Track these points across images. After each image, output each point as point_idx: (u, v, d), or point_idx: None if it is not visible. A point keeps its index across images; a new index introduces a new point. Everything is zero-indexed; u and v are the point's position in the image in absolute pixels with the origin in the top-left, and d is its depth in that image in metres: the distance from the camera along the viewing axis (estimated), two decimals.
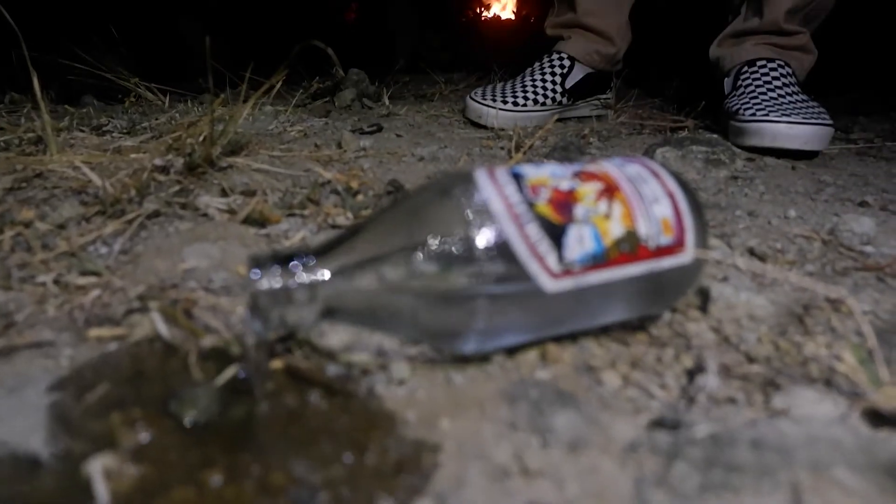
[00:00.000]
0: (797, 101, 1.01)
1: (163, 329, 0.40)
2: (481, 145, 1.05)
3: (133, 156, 0.77)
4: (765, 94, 1.02)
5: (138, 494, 0.28)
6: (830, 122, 0.98)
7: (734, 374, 0.39)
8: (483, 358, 0.38)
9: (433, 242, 0.33)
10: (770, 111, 0.97)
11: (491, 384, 0.36)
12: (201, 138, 0.76)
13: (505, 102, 1.22)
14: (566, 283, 0.35)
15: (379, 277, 0.33)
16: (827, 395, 0.35)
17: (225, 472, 0.30)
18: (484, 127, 1.20)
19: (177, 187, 0.66)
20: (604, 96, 1.34)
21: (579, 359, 0.39)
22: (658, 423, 0.31)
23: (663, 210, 0.38)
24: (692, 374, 0.38)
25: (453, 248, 0.33)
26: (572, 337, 0.41)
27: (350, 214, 0.63)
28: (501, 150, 1.01)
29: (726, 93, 1.12)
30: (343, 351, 0.39)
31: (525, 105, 1.23)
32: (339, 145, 0.96)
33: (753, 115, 0.99)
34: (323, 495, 0.28)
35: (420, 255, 0.33)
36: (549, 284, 0.34)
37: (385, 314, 0.35)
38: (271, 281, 0.32)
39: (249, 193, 0.68)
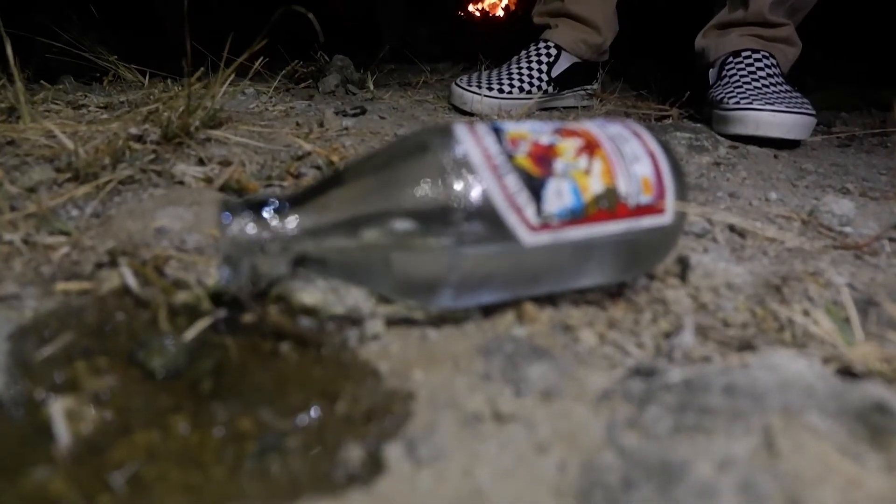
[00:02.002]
0: (781, 90, 1.02)
1: (132, 282, 0.39)
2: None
3: (108, 126, 0.75)
4: (749, 83, 1.03)
5: (100, 437, 0.27)
6: (813, 111, 0.99)
7: (710, 337, 0.39)
8: (459, 317, 0.38)
9: (409, 193, 0.33)
10: (754, 99, 0.98)
11: (466, 341, 0.36)
12: (179, 111, 0.75)
13: (490, 89, 1.21)
14: (544, 238, 0.34)
15: (354, 227, 0.33)
16: (802, 355, 0.35)
17: (190, 418, 0.29)
18: (469, 113, 1.19)
19: (152, 156, 0.65)
20: (589, 87, 1.34)
21: (556, 319, 0.39)
22: (633, 373, 0.31)
23: (643, 169, 0.38)
24: (669, 335, 0.38)
25: (430, 200, 0.33)
26: (550, 299, 0.41)
27: None
28: None
29: (710, 83, 1.13)
30: (316, 306, 0.38)
31: (510, 92, 1.23)
32: (321, 124, 0.95)
33: (737, 103, 0.99)
34: (291, 440, 0.28)
35: (396, 206, 0.33)
36: (527, 238, 0.34)
37: (359, 266, 0.34)
38: (242, 227, 0.31)
39: (227, 163, 0.66)
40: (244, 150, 0.74)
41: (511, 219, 0.34)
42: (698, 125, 1.09)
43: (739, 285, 0.45)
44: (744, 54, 1.09)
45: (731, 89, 1.03)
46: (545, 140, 0.36)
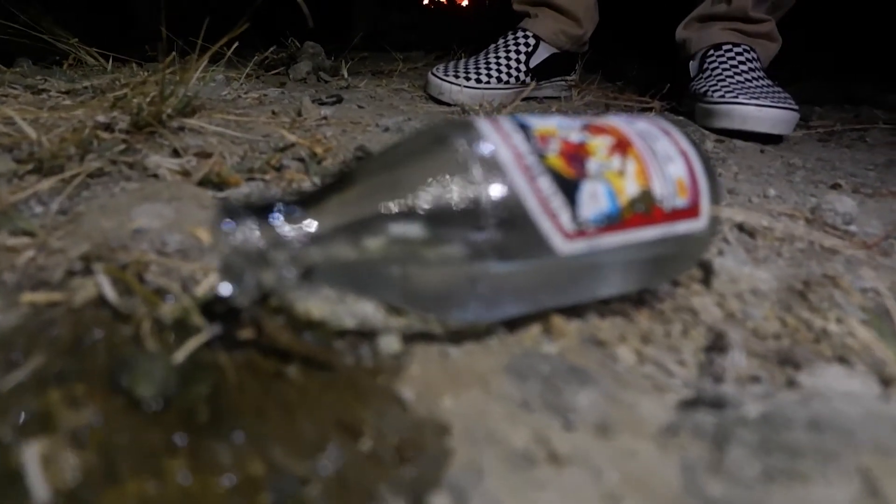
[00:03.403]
0: (764, 85, 1.01)
1: (110, 293, 0.34)
2: (447, 120, 1.01)
3: (73, 113, 0.69)
4: (732, 77, 1.02)
5: (83, 488, 0.23)
6: (796, 107, 0.98)
7: (748, 351, 0.36)
8: (480, 331, 0.35)
9: (432, 196, 0.29)
10: (739, 94, 0.97)
11: (492, 359, 0.32)
12: (149, 97, 0.69)
13: (468, 79, 1.18)
14: (579, 245, 0.31)
15: (370, 235, 0.29)
16: (853, 372, 0.32)
17: (189, 461, 0.25)
18: (447, 104, 1.15)
19: (122, 146, 0.60)
20: (569, 77, 1.32)
21: (585, 332, 0.36)
22: (692, 403, 0.28)
23: (678, 170, 0.35)
24: (709, 350, 0.35)
25: (455, 203, 0.29)
26: (573, 309, 0.38)
27: (317, 180, 0.58)
28: None
29: (692, 75, 1.12)
30: (322, 319, 0.34)
31: (488, 83, 1.20)
32: (299, 113, 0.90)
33: (722, 96, 0.98)
34: (312, 488, 0.24)
35: (417, 211, 0.29)
36: (562, 246, 0.31)
37: (373, 275, 0.30)
38: (248, 235, 0.27)
39: (204, 155, 0.61)
40: (220, 140, 0.69)
41: (545, 225, 0.30)
42: (681, 118, 1.08)
43: (765, 291, 0.43)
44: (724, 47, 1.08)
45: (715, 82, 1.02)
46: (575, 137, 0.33)
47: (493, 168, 0.30)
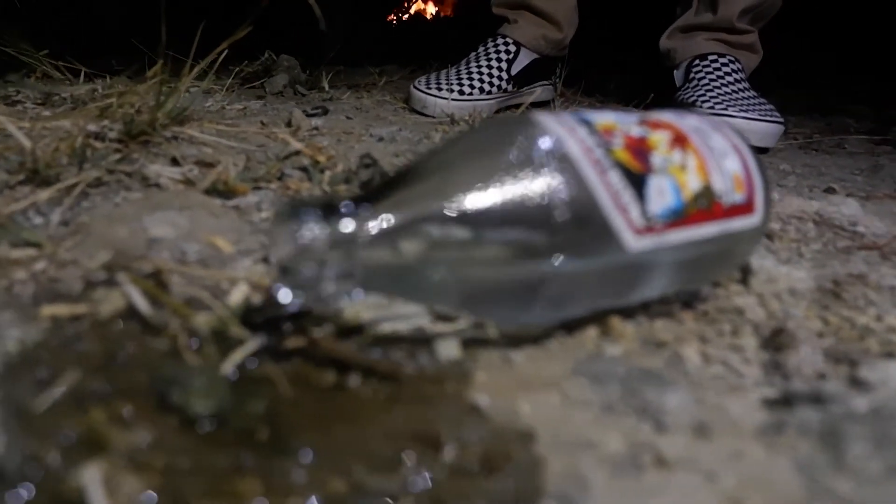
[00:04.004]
0: (750, 97, 1.03)
1: (141, 304, 0.31)
2: (437, 130, 1.00)
3: (57, 123, 0.65)
4: (719, 87, 1.04)
5: None
6: (782, 119, 1.01)
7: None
8: (537, 334, 0.33)
9: (503, 192, 0.28)
10: (728, 106, 0.99)
11: (557, 363, 0.31)
12: (136, 107, 0.66)
13: (451, 91, 1.17)
14: (647, 242, 0.30)
15: (441, 233, 0.27)
16: None
17: (262, 482, 0.23)
18: (432, 117, 1.14)
19: (118, 155, 0.56)
20: (548, 83, 1.32)
21: (642, 334, 0.35)
22: (782, 401, 0.27)
23: (733, 165, 0.34)
24: (769, 349, 0.34)
25: (527, 199, 0.28)
26: (619, 311, 0.37)
27: (327, 188, 0.56)
28: None
29: (678, 85, 1.13)
30: (372, 326, 0.32)
31: (471, 94, 1.19)
32: (289, 123, 0.88)
33: (712, 108, 0.99)
34: None
35: (488, 207, 0.27)
36: (632, 242, 0.30)
37: (434, 279, 0.29)
38: (317, 234, 0.25)
39: (205, 164, 0.59)
40: (215, 149, 0.66)
41: (616, 221, 0.29)
42: None
43: (802, 291, 0.43)
44: (710, 58, 1.10)
45: (703, 92, 1.04)
46: (636, 132, 0.32)
47: (563, 162, 0.29)
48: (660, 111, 0.37)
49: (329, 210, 0.26)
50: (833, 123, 1.35)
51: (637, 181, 0.30)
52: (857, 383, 0.32)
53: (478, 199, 0.27)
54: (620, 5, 1.84)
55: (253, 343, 0.29)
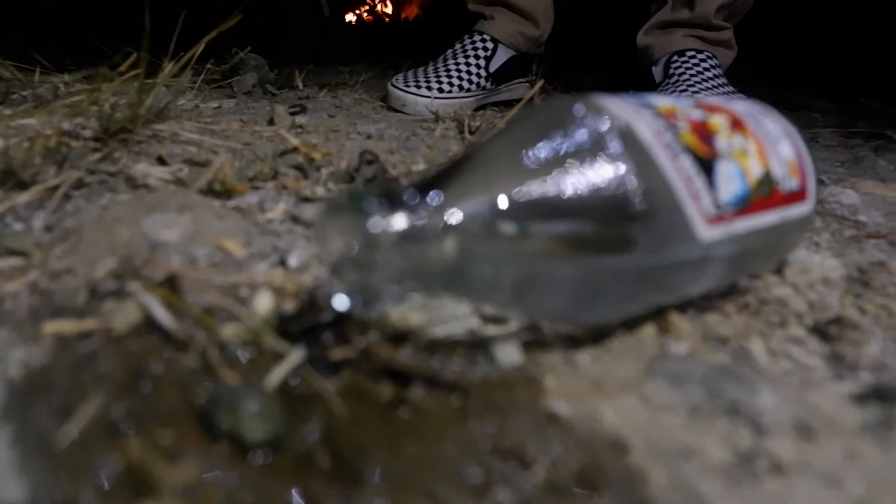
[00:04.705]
0: (729, 92, 1.04)
1: (163, 316, 0.28)
2: (423, 127, 0.97)
3: (22, 122, 0.60)
4: (700, 83, 1.04)
5: None
6: None
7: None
8: (595, 334, 0.31)
9: (574, 178, 0.25)
10: (707, 97, 0.99)
11: (625, 364, 0.29)
12: (112, 103, 0.61)
13: (430, 89, 1.14)
14: (718, 232, 0.28)
15: (513, 226, 0.25)
16: None
17: None
18: (411, 114, 1.11)
19: (97, 154, 0.52)
20: (525, 80, 1.31)
21: (700, 329, 0.33)
22: (874, 395, 0.26)
23: (787, 150, 0.33)
24: (825, 340, 0.33)
25: (599, 188, 0.25)
26: (672, 306, 0.35)
27: (332, 185, 0.53)
28: (448, 131, 0.93)
29: (658, 81, 1.13)
30: (423, 331, 0.29)
31: (450, 91, 1.17)
32: (271, 121, 0.84)
33: (690, 96, 1.00)
34: None
35: (559, 197, 0.25)
36: (704, 232, 0.28)
37: (496, 274, 0.26)
38: (390, 223, 0.22)
39: (195, 163, 0.55)
40: (201, 148, 0.62)
41: (689, 209, 0.27)
42: None
43: (835, 280, 0.42)
44: (689, 54, 1.10)
45: (685, 87, 1.04)
46: (696, 115, 0.30)
47: (634, 147, 0.26)
48: (708, 95, 0.35)
49: (393, 200, 0.23)
50: (801, 118, 1.37)
51: (706, 167, 0.28)
52: None
53: (549, 188, 0.25)
54: (594, 3, 1.84)
55: (296, 355, 0.26)
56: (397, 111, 1.13)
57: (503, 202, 0.24)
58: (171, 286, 0.31)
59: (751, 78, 1.52)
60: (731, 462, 0.22)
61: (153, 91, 0.63)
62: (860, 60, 1.82)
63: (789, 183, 0.32)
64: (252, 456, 0.21)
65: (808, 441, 0.23)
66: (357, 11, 2.51)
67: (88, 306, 0.29)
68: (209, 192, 0.48)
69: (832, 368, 0.31)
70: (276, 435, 0.22)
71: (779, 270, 0.42)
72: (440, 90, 1.16)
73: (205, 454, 0.21)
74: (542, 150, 0.26)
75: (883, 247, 0.54)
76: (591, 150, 0.26)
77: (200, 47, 0.71)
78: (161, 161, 0.54)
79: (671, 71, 1.10)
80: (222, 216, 0.43)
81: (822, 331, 0.35)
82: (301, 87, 1.28)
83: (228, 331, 0.28)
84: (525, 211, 0.25)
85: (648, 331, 0.32)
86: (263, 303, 0.31)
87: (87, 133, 0.57)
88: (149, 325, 0.28)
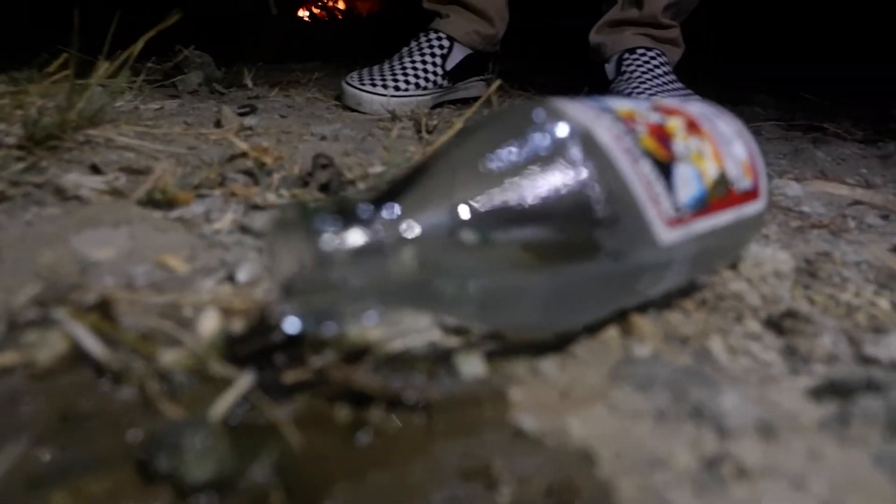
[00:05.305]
0: (679, 88, 1.06)
1: (93, 346, 0.26)
2: (379, 127, 0.95)
3: None
4: (652, 80, 1.05)
5: None
6: None
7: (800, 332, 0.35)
8: (557, 340, 0.30)
9: (535, 188, 0.24)
10: (664, 97, 1.01)
11: (591, 370, 0.28)
12: (37, 107, 0.57)
13: (385, 87, 1.13)
14: (677, 234, 0.28)
15: (478, 233, 0.23)
16: None
17: None
18: (366, 114, 1.09)
19: (21, 164, 0.48)
20: (482, 78, 1.31)
21: (661, 330, 0.33)
22: (830, 390, 0.26)
23: (740, 151, 0.33)
24: (780, 334, 0.33)
25: (560, 195, 0.25)
26: (633, 307, 0.34)
27: (284, 191, 0.51)
28: (405, 130, 0.92)
29: (611, 78, 1.15)
30: (381, 345, 0.28)
31: (406, 90, 1.15)
32: (218, 123, 0.80)
33: (647, 99, 1.01)
34: None
35: (520, 205, 0.24)
36: (664, 235, 0.27)
37: (458, 286, 0.25)
38: (340, 245, 0.20)
39: (133, 171, 0.52)
40: (140, 154, 0.59)
41: (650, 213, 0.27)
42: None
43: (786, 272, 0.43)
44: (639, 51, 1.12)
45: (637, 84, 1.05)
46: (654, 118, 0.30)
47: (594, 152, 0.26)
48: (664, 97, 0.35)
49: (347, 216, 0.21)
50: (745, 112, 1.42)
51: (665, 170, 0.28)
52: (867, 361, 0.32)
53: (509, 196, 0.24)
54: (548, 2, 1.85)
55: (244, 381, 0.25)
56: (353, 110, 1.10)
57: (463, 212, 0.23)
58: (103, 311, 0.29)
59: (697, 74, 1.56)
60: (697, 468, 0.22)
61: (86, 93, 0.60)
62: (798, 54, 1.88)
63: (743, 183, 0.32)
64: (195, 500, 0.20)
65: (771, 442, 0.23)
66: (310, 7, 2.46)
67: (7, 338, 0.27)
68: (149, 202, 0.45)
69: (788, 363, 0.31)
70: (222, 474, 0.21)
71: (733, 265, 0.43)
72: (396, 88, 1.14)
73: (144, 501, 0.19)
74: (502, 158, 0.25)
75: (826, 237, 0.55)
76: (552, 157, 0.25)
77: (139, 45, 0.67)
78: (95, 169, 0.50)
79: (623, 68, 1.11)
80: (163, 229, 0.41)
81: (776, 324, 0.35)
82: (251, 85, 1.24)
83: (169, 358, 0.26)
84: (485, 221, 0.24)
85: (612, 333, 0.31)
86: (209, 324, 0.29)
87: (11, 140, 0.53)
88: (78, 356, 0.26)
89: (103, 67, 0.60)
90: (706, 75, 1.72)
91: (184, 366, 0.26)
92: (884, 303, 0.40)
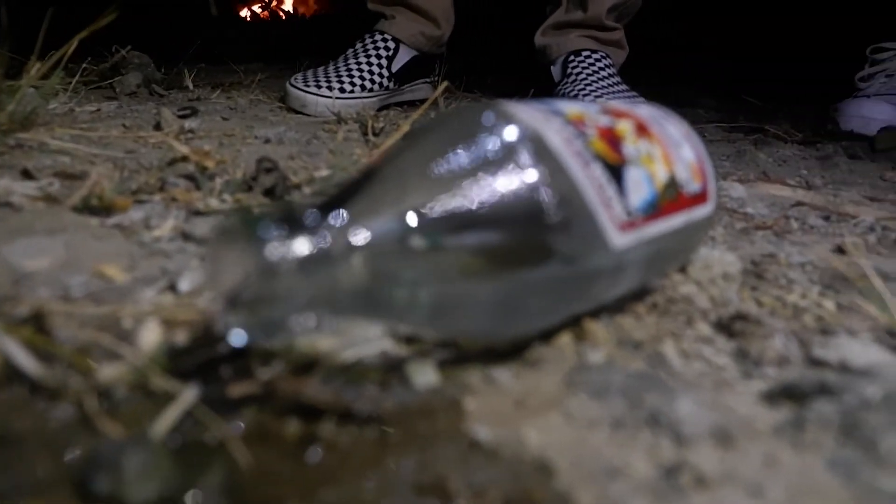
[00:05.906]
0: (625, 89, 1.08)
1: (24, 361, 0.24)
2: (324, 129, 0.94)
3: None
4: (597, 81, 1.07)
5: None
6: None
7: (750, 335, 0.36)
8: (511, 348, 0.30)
9: (486, 193, 0.24)
10: (609, 99, 1.02)
11: (545, 377, 0.28)
12: None
13: (331, 89, 1.11)
14: (630, 238, 0.28)
15: (423, 242, 0.23)
16: (871, 342, 0.33)
17: None
18: (313, 115, 1.08)
19: None
20: (428, 80, 1.30)
21: (614, 335, 0.33)
22: (783, 394, 0.27)
23: (688, 154, 0.34)
24: (731, 337, 0.34)
25: (511, 200, 0.24)
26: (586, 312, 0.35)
27: (227, 196, 0.49)
28: (351, 133, 0.91)
29: (557, 80, 1.16)
30: (331, 356, 0.27)
31: (352, 91, 1.14)
32: (158, 126, 0.78)
33: (593, 101, 1.03)
34: None
35: (470, 211, 0.24)
36: (616, 239, 0.27)
37: (409, 294, 0.25)
38: (286, 254, 0.19)
39: (68, 176, 0.49)
40: (75, 158, 0.56)
41: (602, 217, 0.27)
42: None
43: (733, 274, 0.44)
44: (584, 53, 1.14)
45: (583, 86, 1.07)
46: (603, 121, 0.30)
47: (545, 155, 0.26)
48: (612, 101, 0.35)
49: (292, 223, 0.20)
50: (689, 114, 1.46)
51: (616, 173, 0.28)
52: (816, 363, 0.33)
53: (459, 201, 0.24)
54: (494, 4, 1.86)
55: (188, 396, 0.23)
56: (297, 112, 1.08)
57: (413, 218, 0.23)
58: (37, 324, 0.27)
59: (639, 75, 1.60)
60: (656, 477, 0.22)
61: (17, 94, 0.57)
62: (741, 54, 1.95)
63: (692, 186, 0.33)
64: None
65: (728, 449, 0.23)
66: (252, 7, 2.41)
67: None
68: (85, 209, 0.43)
69: (740, 366, 0.32)
70: (165, 494, 0.19)
71: (683, 268, 0.43)
72: (342, 90, 1.13)
73: None
74: (451, 162, 0.24)
75: (771, 238, 0.57)
76: (502, 161, 0.25)
77: (73, 44, 0.64)
78: (27, 175, 0.48)
79: (569, 70, 1.13)
80: (101, 237, 0.39)
81: (726, 327, 0.36)
82: (191, 87, 1.20)
83: (108, 373, 0.25)
84: (435, 226, 0.23)
85: (565, 339, 0.31)
86: (150, 336, 0.28)
87: None
88: (10, 373, 0.24)
89: (35, 68, 0.57)
90: (651, 75, 1.77)
91: (124, 381, 0.25)
92: (829, 304, 0.41)
